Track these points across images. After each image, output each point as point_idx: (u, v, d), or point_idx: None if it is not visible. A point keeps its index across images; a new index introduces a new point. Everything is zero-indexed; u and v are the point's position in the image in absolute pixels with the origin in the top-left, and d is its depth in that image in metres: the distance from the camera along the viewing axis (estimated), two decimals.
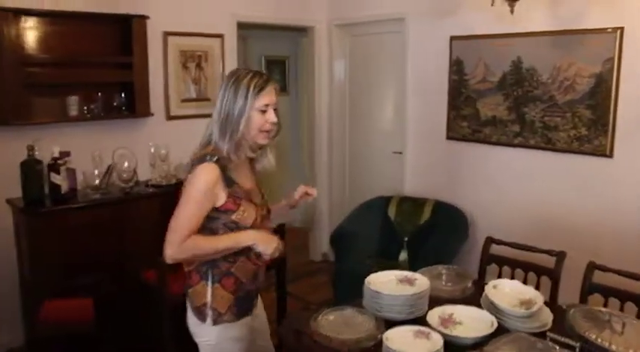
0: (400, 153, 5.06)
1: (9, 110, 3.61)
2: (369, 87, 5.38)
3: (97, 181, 3.65)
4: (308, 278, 5.32)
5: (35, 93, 3.83)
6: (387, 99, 5.25)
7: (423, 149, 4.88)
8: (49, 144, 3.66)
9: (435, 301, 2.44)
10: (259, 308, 2.46)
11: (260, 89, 2.11)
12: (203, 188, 2.07)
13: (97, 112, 4.09)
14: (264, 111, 2.13)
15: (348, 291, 2.83)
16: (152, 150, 4.02)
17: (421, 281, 2.51)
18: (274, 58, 6.86)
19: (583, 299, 2.62)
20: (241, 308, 2.25)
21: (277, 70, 6.88)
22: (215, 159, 2.10)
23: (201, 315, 2.20)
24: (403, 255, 4.53)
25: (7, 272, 3.81)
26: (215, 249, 2.11)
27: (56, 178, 3.44)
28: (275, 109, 2.18)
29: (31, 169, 3.44)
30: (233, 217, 2.13)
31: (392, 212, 4.68)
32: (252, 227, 2.18)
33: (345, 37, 5.55)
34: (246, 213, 2.16)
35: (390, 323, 2.25)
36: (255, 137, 2.17)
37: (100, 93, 4.13)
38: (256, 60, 6.71)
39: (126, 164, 3.79)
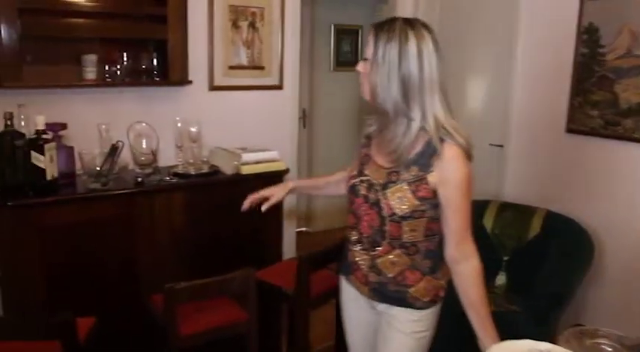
0: (501, 146, 3.98)
1: (2, 69, 2.75)
2: (463, 61, 4.29)
3: (98, 165, 2.72)
4: None
5: (42, 47, 2.98)
6: (487, 78, 4.18)
7: (533, 143, 3.80)
8: (55, 113, 2.83)
9: None
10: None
11: None
12: None
13: (119, 76, 3.20)
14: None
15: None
16: (179, 125, 3.07)
17: None
18: (345, 27, 5.84)
19: None
20: None
21: (348, 42, 5.87)
22: None
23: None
24: (501, 279, 3.50)
25: None
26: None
27: (38, 159, 2.52)
28: (365, 59, 1.81)
29: (6, 145, 2.55)
30: None
31: (489, 222, 3.62)
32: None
33: (435, 1, 4.50)
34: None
35: None
36: None
37: (125, 53, 3.24)
38: (324, 28, 5.70)
39: (144, 144, 2.87)
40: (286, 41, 3.96)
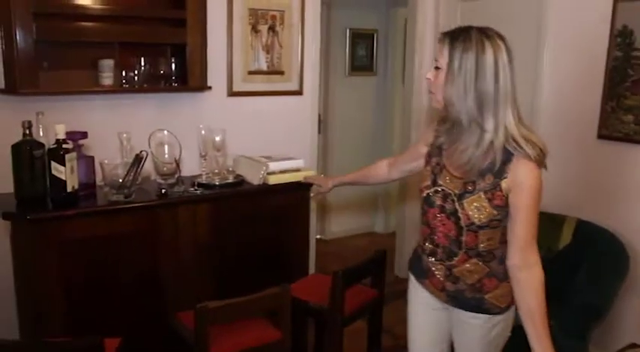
0: None
1: (18, 74, 2.65)
2: None
3: (120, 176, 2.59)
4: (394, 302, 4.12)
5: (58, 53, 2.88)
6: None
7: (562, 150, 3.66)
8: (72, 121, 2.72)
9: None
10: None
11: None
12: None
13: (137, 82, 3.09)
14: None
15: None
16: (203, 132, 2.95)
17: None
18: (360, 32, 5.72)
19: None
20: None
21: (363, 46, 5.74)
22: None
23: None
24: None
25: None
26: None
27: (58, 170, 2.40)
28: (436, 68, 1.82)
29: (24, 155, 2.43)
30: None
31: None
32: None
33: (456, 5, 4.38)
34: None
35: None
36: None
37: (142, 58, 3.12)
38: (340, 32, 5.58)
39: (166, 153, 2.75)
40: (306, 45, 3.84)
